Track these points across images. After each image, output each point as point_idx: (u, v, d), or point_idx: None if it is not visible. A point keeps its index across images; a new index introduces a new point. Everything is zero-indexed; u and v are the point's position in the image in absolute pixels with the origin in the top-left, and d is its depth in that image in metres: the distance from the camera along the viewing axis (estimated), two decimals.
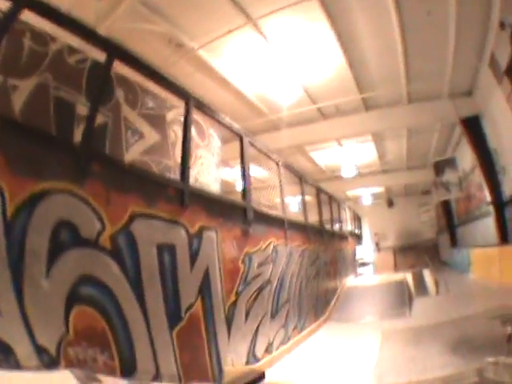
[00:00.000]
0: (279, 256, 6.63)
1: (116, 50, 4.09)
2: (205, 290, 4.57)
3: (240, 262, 5.33)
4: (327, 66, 9.81)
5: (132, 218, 3.75)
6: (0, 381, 2.52)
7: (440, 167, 16.17)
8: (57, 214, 3.22)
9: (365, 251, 22.72)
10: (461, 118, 12.15)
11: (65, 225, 3.26)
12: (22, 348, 2.88)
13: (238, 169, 6.22)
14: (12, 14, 3.44)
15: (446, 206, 20.34)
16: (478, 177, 12.93)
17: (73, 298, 3.25)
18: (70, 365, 3.05)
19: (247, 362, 5.26)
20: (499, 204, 11.67)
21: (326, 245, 10.43)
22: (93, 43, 4.07)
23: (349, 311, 9.92)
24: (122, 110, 5.36)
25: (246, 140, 6.05)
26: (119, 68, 5.02)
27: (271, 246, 6.31)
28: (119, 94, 5.36)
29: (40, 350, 2.97)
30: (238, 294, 5.19)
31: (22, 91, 4.43)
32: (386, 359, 5.49)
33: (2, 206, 2.95)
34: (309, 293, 8.35)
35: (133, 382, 3.51)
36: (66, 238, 3.25)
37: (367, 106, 12.44)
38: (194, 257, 4.44)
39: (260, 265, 5.86)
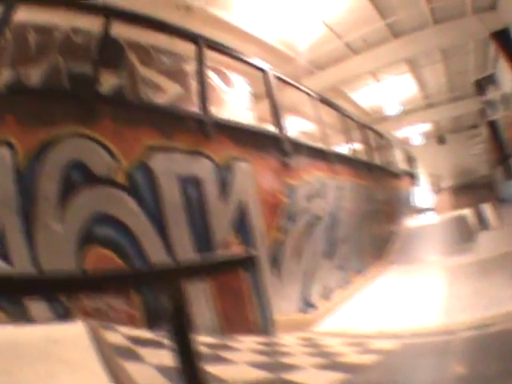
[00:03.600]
0: (327, 190, 6.18)
1: (110, 11, 4.02)
2: (241, 225, 4.26)
3: (281, 194, 4.94)
4: None
5: (147, 152, 3.64)
6: (13, 335, 2.59)
7: (481, 86, 15.20)
8: (67, 157, 3.24)
9: (422, 194, 21.72)
10: (490, 32, 11.32)
11: (76, 166, 3.27)
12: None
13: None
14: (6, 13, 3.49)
15: (495, 135, 18.77)
16: None
17: (87, 239, 3.23)
18: (84, 315, 3.00)
19: (301, 310, 4.88)
20: None
21: (378, 182, 9.82)
22: (89, 13, 4.09)
23: (411, 252, 9.49)
24: (137, 70, 5.36)
25: (270, 74, 5.65)
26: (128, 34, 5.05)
27: (316, 179, 5.88)
28: (131, 56, 5.37)
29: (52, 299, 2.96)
30: (282, 231, 4.80)
31: (34, 76, 4.65)
32: (453, 295, 5.14)
33: (14, 157, 3.04)
34: (367, 232, 7.92)
35: (158, 334, 3.17)
36: (77, 179, 3.26)
37: (394, 32, 11.76)
38: (224, 189, 4.16)
39: (305, 198, 5.44)
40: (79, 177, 3.30)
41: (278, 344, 3.83)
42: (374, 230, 8.53)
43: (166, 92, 5.43)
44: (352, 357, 3.34)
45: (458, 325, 3.84)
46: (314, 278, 5.29)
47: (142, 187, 3.56)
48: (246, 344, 3.59)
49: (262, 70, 5.65)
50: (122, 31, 4.79)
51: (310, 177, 5.70)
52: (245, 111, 6.63)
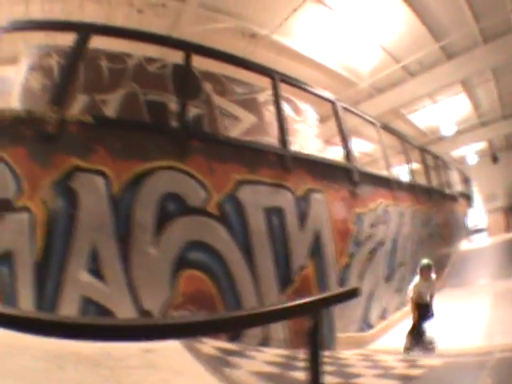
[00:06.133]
0: (390, 216, 6.43)
1: (191, 47, 4.46)
2: (316, 251, 4.58)
3: (350, 222, 5.27)
4: (396, 22, 9.44)
5: (236, 185, 4.00)
6: (104, 348, 2.84)
7: None
8: (162, 189, 3.60)
9: (476, 214, 20.99)
10: None
11: (171, 197, 3.62)
12: (126, 313, 3.25)
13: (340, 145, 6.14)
14: (80, 42, 3.93)
15: None
16: None
17: (181, 263, 3.55)
18: None
19: (360, 329, 5.19)
20: None
21: (436, 206, 9.83)
22: (169, 47, 4.57)
23: (462, 276, 9.53)
24: (213, 100, 5.75)
25: (338, 105, 6.01)
26: (203, 65, 5.41)
27: (381, 207, 6.16)
28: (207, 86, 5.77)
29: (144, 314, 3.30)
30: (350, 256, 5.11)
31: (111, 103, 5.03)
32: (496, 320, 5.33)
33: (107, 187, 3.39)
34: (423, 256, 7.97)
35: (240, 346, 3.56)
36: (172, 208, 3.60)
37: (447, 54, 11.71)
38: (302, 219, 4.48)
39: (371, 225, 5.74)
40: (174, 207, 3.67)
41: (340, 357, 4.09)
42: (429, 254, 8.52)
43: (242, 121, 5.78)
44: (402, 370, 3.68)
45: (495, 347, 4.08)
46: (373, 299, 5.56)
47: (231, 217, 3.91)
48: None
49: (331, 101, 5.99)
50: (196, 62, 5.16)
51: (375, 204, 5.96)
52: (314, 139, 6.93)
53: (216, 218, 3.82)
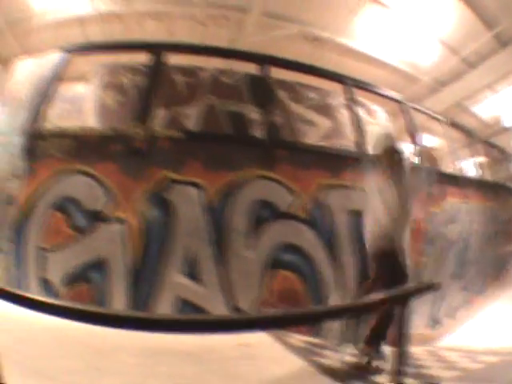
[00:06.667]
0: (460, 215, 6.50)
1: (267, 59, 4.85)
2: None
3: (424, 221, 5.41)
4: (449, 13, 9.47)
5: (320, 189, 4.33)
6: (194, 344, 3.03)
7: None
8: (253, 196, 3.98)
9: None
10: None
11: (262, 203, 4.01)
12: (219, 311, 3.61)
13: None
14: (158, 60, 4.33)
15: None
16: None
17: (272, 264, 3.91)
18: None
19: (427, 326, 5.30)
20: None
21: (504, 201, 9.61)
22: (244, 60, 4.97)
23: None
24: (289, 108, 6.07)
25: (406, 104, 6.20)
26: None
27: (451, 205, 6.25)
28: (282, 94, 6.10)
29: (237, 311, 3.64)
30: (424, 255, 5.28)
31: (191, 116, 5.31)
32: None
33: (201, 196, 3.78)
34: (489, 254, 7.96)
35: (321, 341, 3.89)
36: (264, 214, 3.98)
37: (502, 43, 11.30)
38: None
39: (443, 224, 5.88)
40: (265, 212, 4.05)
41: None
42: (495, 252, 8.46)
43: (317, 126, 6.09)
44: (463, 364, 3.86)
45: None
46: (442, 297, 5.67)
47: (317, 219, 4.26)
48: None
49: (399, 102, 6.22)
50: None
51: (447, 203, 6.09)
52: None
53: (303, 221, 4.18)
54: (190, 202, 3.95)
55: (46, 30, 8.75)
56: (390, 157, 3.42)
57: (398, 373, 2.21)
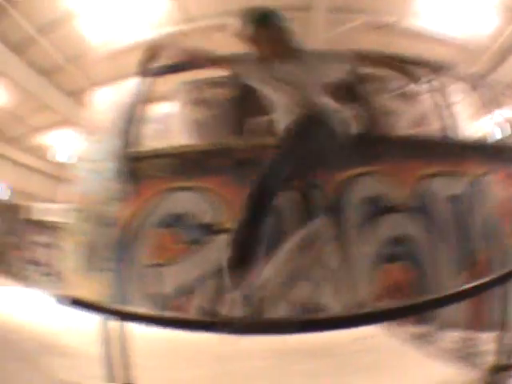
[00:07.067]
0: None
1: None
2: (489, 234, 4.53)
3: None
4: None
5: (421, 180, 4.34)
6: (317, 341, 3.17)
7: None
8: (365, 192, 4.10)
9: None
10: None
11: (373, 199, 4.10)
12: (335, 306, 3.58)
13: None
14: None
15: None
16: None
17: (384, 257, 3.95)
18: None
19: None
20: None
21: None
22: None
23: None
24: (373, 100, 6.19)
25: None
26: None
27: None
28: (369, 87, 6.19)
29: (359, 305, 3.58)
30: None
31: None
32: None
33: (320, 197, 3.72)
34: None
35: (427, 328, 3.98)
36: (374, 209, 4.09)
37: None
38: (476, 204, 4.55)
39: None
40: (376, 207, 4.15)
41: None
42: None
43: (404, 116, 6.19)
44: None
45: None
46: None
47: (422, 210, 4.28)
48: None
49: (473, 77, 6.30)
50: None
51: None
52: (468, 121, 7.08)
53: (408, 211, 4.20)
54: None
55: (108, 59, 9.40)
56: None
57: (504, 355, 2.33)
